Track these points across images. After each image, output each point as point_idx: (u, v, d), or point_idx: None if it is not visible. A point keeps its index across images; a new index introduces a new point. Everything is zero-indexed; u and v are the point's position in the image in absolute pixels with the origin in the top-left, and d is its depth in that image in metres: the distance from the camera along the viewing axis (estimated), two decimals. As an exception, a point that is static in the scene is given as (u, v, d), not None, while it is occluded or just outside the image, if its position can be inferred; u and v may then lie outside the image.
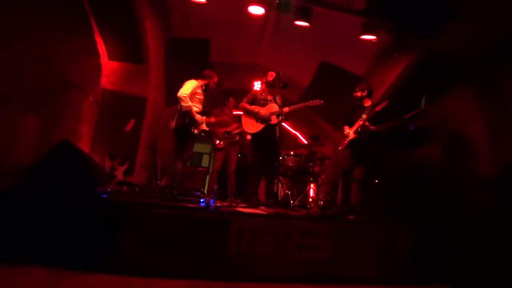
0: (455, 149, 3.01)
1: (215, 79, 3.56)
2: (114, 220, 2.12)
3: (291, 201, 4.31)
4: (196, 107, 3.38)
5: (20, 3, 2.55)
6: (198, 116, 3.30)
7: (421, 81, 4.02)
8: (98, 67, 4.14)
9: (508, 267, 2.10)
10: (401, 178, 3.42)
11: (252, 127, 3.38)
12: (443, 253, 2.37)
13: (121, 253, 2.04)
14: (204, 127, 3.47)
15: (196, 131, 3.33)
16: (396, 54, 4.08)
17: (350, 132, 3.42)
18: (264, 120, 3.36)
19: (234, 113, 4.59)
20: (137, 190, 2.45)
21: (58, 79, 3.25)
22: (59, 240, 2.03)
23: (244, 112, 3.45)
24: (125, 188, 2.60)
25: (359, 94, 3.48)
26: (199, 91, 3.40)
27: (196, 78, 3.51)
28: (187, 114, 3.24)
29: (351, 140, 3.38)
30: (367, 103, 3.44)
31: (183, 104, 3.21)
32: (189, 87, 3.27)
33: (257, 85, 5.46)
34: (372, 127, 3.23)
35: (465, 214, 2.55)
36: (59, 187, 2.22)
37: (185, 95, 3.21)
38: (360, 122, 3.28)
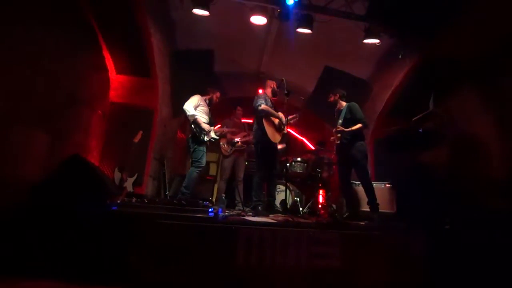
0: (464, 151, 2.95)
1: (218, 94, 3.83)
2: (124, 232, 2.13)
3: (301, 208, 4.27)
4: (202, 118, 3.57)
5: (28, 21, 2.66)
6: (204, 125, 3.48)
7: (428, 82, 3.98)
8: (107, 81, 4.26)
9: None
10: (410, 181, 3.35)
11: (274, 136, 3.47)
12: (456, 259, 2.29)
13: (131, 266, 2.05)
14: (212, 135, 3.61)
15: (206, 138, 3.47)
16: (400, 56, 4.06)
17: (334, 138, 3.51)
18: (284, 125, 3.46)
19: (242, 121, 4.62)
20: (146, 201, 2.48)
21: (67, 94, 3.35)
22: (68, 253, 2.05)
23: (269, 114, 3.42)
24: (134, 199, 2.64)
25: (331, 98, 3.65)
26: (201, 103, 3.64)
27: (201, 90, 3.79)
28: (194, 123, 3.45)
29: (338, 145, 3.47)
30: (341, 105, 3.58)
31: (188, 114, 3.48)
32: (191, 100, 3.57)
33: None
34: (347, 129, 3.33)
35: (477, 217, 2.46)
36: (70, 201, 2.25)
37: (188, 107, 3.50)
38: (336, 128, 3.44)
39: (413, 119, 3.72)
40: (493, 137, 2.84)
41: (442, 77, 3.56)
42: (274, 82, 3.66)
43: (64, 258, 2.06)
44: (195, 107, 3.53)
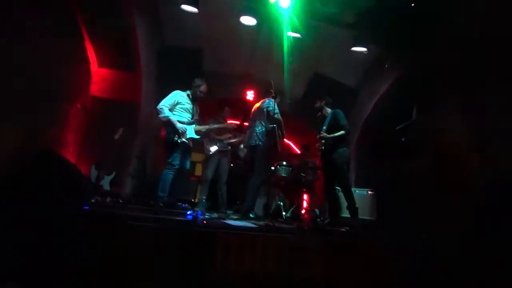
0: (444, 161, 3.01)
1: (202, 88, 3.52)
2: (96, 234, 2.01)
3: (283, 213, 4.23)
4: (182, 116, 3.38)
5: (7, 4, 2.48)
6: (179, 125, 3.27)
7: (413, 92, 4.07)
8: (88, 74, 4.08)
9: (497, 276, 2.06)
10: (391, 189, 3.39)
11: (280, 144, 3.64)
12: (436, 266, 2.32)
13: (100, 270, 1.93)
14: (190, 135, 3.39)
15: (179, 139, 3.26)
16: (386, 66, 4.14)
17: (318, 144, 3.57)
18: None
19: (228, 122, 4.54)
20: (121, 201, 2.35)
21: (43, 86, 3.16)
22: (33, 255, 1.91)
23: (280, 126, 3.56)
24: (108, 199, 2.50)
25: (317, 104, 3.70)
26: (182, 100, 3.41)
27: (188, 87, 3.55)
28: (167, 124, 3.26)
29: (322, 151, 3.53)
30: (327, 112, 3.64)
31: (159, 115, 3.27)
32: (168, 98, 3.33)
33: (250, 95, 5.46)
34: (329, 135, 3.41)
35: (455, 226, 2.51)
36: (39, 198, 2.11)
37: (162, 107, 3.26)
38: (319, 134, 3.50)
39: (397, 128, 3.79)
40: (473, 148, 2.91)
41: (426, 88, 3.64)
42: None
43: (30, 260, 1.91)
44: (173, 105, 3.33)
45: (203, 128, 3.61)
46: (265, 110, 3.50)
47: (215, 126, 3.90)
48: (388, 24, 3.63)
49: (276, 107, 3.45)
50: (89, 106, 4.13)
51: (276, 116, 3.42)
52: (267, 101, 3.54)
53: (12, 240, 1.91)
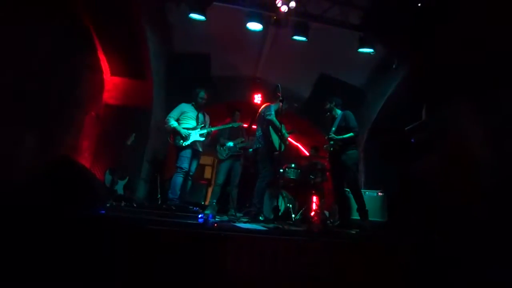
0: (454, 162, 2.97)
1: (201, 95, 3.76)
2: (110, 237, 2.09)
3: (293, 215, 4.25)
4: (188, 124, 3.65)
5: (19, 21, 2.62)
6: (183, 130, 3.56)
7: (422, 92, 4.02)
8: (101, 82, 4.23)
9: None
10: (402, 190, 3.36)
11: (279, 144, 3.58)
12: (447, 268, 2.29)
13: (117, 272, 2.00)
14: (194, 138, 3.59)
15: (184, 143, 3.52)
16: (394, 66, 4.11)
17: (327, 145, 3.56)
18: (285, 139, 3.68)
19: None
20: (135, 205, 2.45)
21: (59, 95, 3.31)
22: (51, 258, 2.00)
23: (272, 127, 3.55)
24: (123, 203, 2.60)
25: (327, 106, 3.70)
26: (186, 110, 3.70)
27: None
28: (173, 133, 3.58)
29: (330, 152, 3.52)
30: (336, 113, 3.63)
31: (166, 125, 3.62)
32: (174, 110, 3.70)
33: (257, 98, 5.51)
34: (337, 137, 3.39)
35: (467, 227, 2.48)
36: (55, 202, 2.20)
37: (168, 118, 3.62)
38: (328, 135, 3.49)
39: (406, 128, 3.76)
40: (484, 149, 2.86)
41: (435, 87, 3.60)
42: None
43: (45, 264, 2.01)
44: (179, 116, 3.63)
45: (205, 131, 3.78)
46: (262, 114, 3.65)
47: (217, 128, 4.05)
48: (394, 23, 3.62)
49: (271, 109, 3.53)
50: (102, 113, 4.28)
51: (267, 117, 3.50)
52: (266, 106, 3.69)
53: (30, 244, 2.01)
